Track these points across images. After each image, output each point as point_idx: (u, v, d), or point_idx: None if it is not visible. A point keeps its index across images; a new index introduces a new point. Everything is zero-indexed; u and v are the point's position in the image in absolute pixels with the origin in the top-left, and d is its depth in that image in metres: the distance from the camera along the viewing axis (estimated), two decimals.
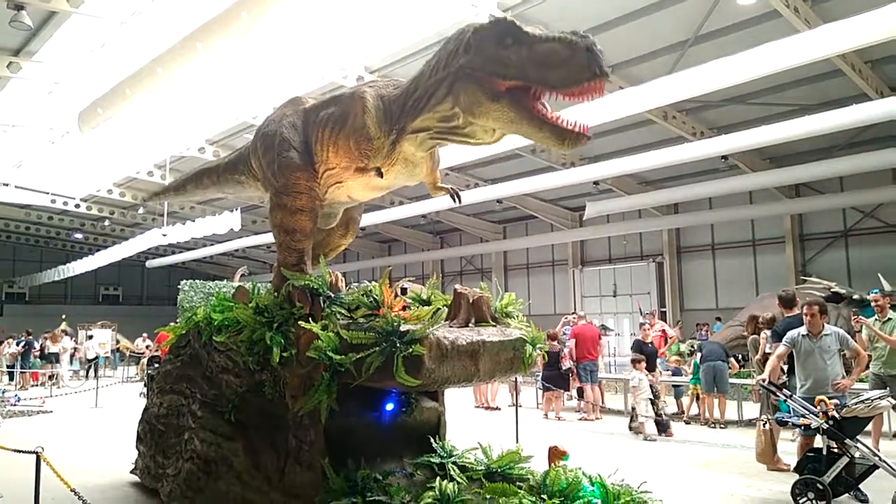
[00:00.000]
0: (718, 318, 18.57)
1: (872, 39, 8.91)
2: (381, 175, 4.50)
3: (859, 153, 14.75)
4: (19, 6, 10.40)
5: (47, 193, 23.86)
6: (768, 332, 9.09)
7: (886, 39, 8.88)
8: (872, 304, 8.07)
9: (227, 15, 9.86)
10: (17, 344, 19.49)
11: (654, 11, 11.60)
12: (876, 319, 7.80)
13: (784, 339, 6.50)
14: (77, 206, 25.43)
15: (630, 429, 10.07)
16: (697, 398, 11.33)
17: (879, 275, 11.60)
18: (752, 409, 10.79)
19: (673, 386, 12.24)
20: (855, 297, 12.13)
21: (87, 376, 20.89)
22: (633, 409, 10.19)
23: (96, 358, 21.49)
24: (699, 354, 11.22)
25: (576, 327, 12.87)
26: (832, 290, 12.42)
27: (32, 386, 18.55)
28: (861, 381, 9.26)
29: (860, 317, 8.79)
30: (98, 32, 12.85)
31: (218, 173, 6.15)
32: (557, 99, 3.45)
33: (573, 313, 16.19)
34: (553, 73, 3.35)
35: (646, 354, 10.70)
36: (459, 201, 5.19)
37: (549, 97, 3.48)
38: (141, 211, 26.55)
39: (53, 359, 19.66)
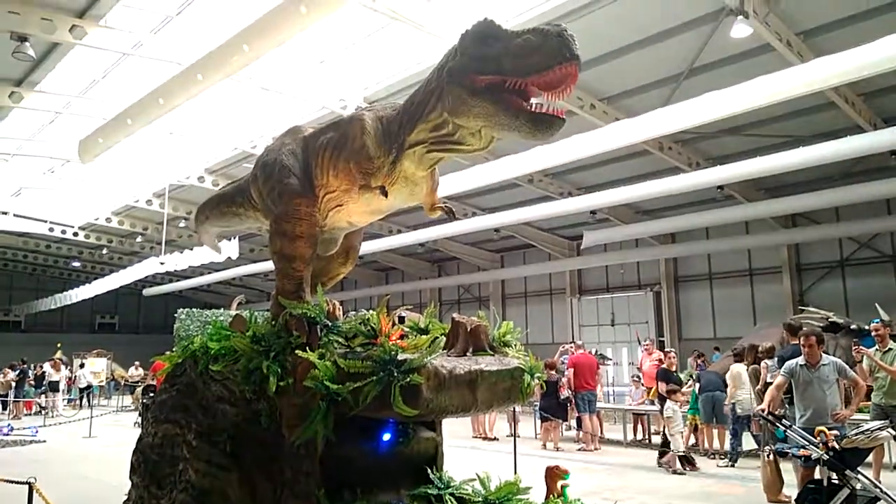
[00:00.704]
0: (717, 348, 18.49)
1: (865, 73, 9.04)
2: (385, 194, 4.51)
3: (854, 184, 14.87)
4: (23, 38, 10.52)
5: (45, 222, 23.89)
6: (769, 362, 9.08)
7: (878, 73, 9.01)
8: (873, 333, 8.04)
9: (229, 47, 10.01)
10: (15, 372, 19.40)
11: (648, 45, 11.79)
12: (877, 349, 7.78)
13: (782, 369, 6.49)
14: (75, 234, 25.45)
15: (659, 464, 9.74)
16: (696, 429, 11.26)
17: (877, 304, 11.61)
18: (752, 441, 10.70)
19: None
20: (853, 326, 12.13)
21: (80, 405, 20.72)
22: (665, 441, 9.88)
23: (89, 387, 21.34)
24: (698, 385, 11.18)
25: (573, 356, 12.83)
26: (830, 319, 12.43)
27: (25, 415, 18.37)
28: (861, 411, 9.25)
29: (861, 347, 8.78)
30: (100, 63, 13.02)
31: (213, 206, 6.15)
32: (534, 92, 3.47)
33: (571, 342, 16.15)
34: (526, 61, 3.39)
35: (673, 384, 10.49)
36: (454, 217, 5.20)
37: (526, 88, 3.51)
38: (139, 239, 26.58)
39: (53, 387, 19.52)
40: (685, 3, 10.57)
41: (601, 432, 12.79)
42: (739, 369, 10.20)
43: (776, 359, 8.08)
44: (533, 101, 3.58)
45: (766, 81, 9.77)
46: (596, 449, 11.51)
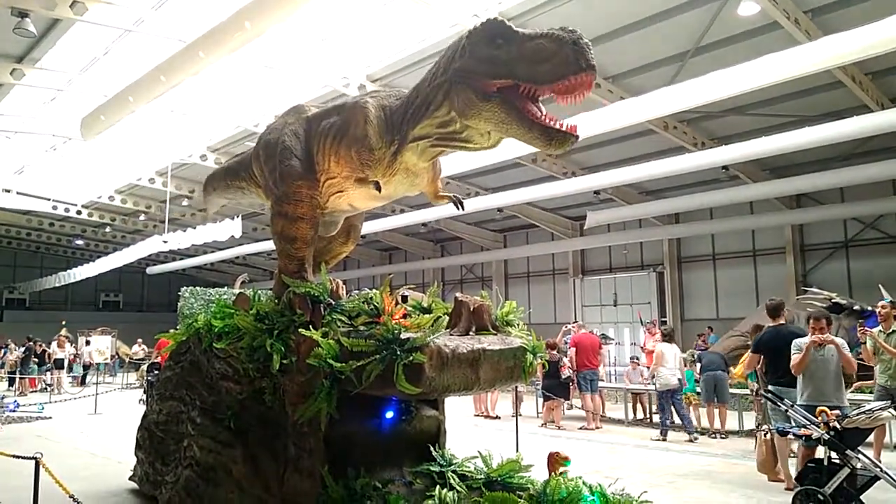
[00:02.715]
0: (710, 328, 18.56)
1: (873, 51, 8.93)
2: (378, 189, 4.52)
3: (860, 164, 14.77)
4: (23, 13, 10.42)
5: (49, 200, 23.89)
6: None
7: (887, 51, 8.91)
8: (879, 313, 8.00)
9: (231, 24, 9.91)
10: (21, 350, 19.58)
11: (655, 23, 11.65)
12: (881, 331, 7.76)
13: (793, 347, 6.49)
14: (78, 212, 25.46)
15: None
16: (690, 406, 11.39)
17: (880, 286, 11.58)
18: (753, 419, 10.77)
19: None
20: (856, 307, 12.11)
21: (83, 382, 20.89)
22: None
23: (90, 365, 21.55)
24: (698, 365, 11.25)
25: (576, 336, 12.88)
26: (833, 300, 12.41)
27: (31, 392, 18.53)
28: (864, 391, 9.28)
29: (866, 327, 8.75)
30: (102, 40, 12.92)
31: (219, 178, 6.16)
32: (546, 95, 3.44)
33: (574, 322, 16.20)
34: (540, 68, 3.36)
35: None
36: (462, 208, 5.19)
37: (537, 93, 3.47)
38: (142, 218, 26.59)
39: (59, 364, 19.68)
40: None
41: (603, 411, 12.88)
42: (662, 348, 10.91)
43: (754, 341, 8.03)
44: (544, 109, 3.54)
45: (773, 60, 9.66)
46: (597, 427, 11.59)
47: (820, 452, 5.75)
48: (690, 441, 10.09)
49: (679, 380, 10.79)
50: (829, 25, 10.84)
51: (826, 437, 5.47)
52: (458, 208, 5.14)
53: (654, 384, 11.07)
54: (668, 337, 11.39)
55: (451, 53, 3.88)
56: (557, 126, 3.46)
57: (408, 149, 4.29)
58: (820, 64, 9.44)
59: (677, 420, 10.76)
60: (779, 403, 6.19)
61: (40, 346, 20.01)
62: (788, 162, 16.69)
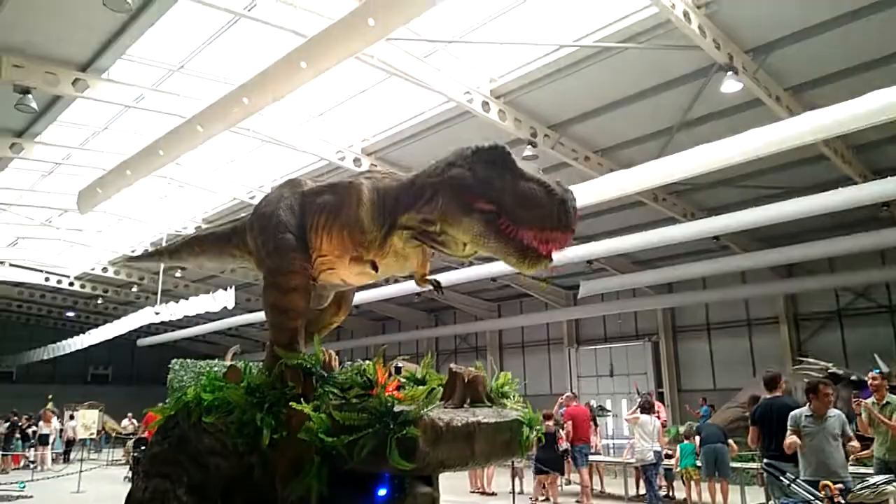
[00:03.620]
0: (704, 399, 18.33)
1: (852, 126, 9.22)
2: (375, 269, 4.58)
3: (846, 235, 14.99)
4: (25, 90, 10.68)
5: (41, 271, 23.85)
6: None
7: (865, 126, 9.19)
8: (870, 385, 7.94)
9: (229, 99, 10.19)
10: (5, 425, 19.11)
11: (642, 99, 12.06)
12: (874, 402, 7.68)
13: (789, 421, 6.38)
14: (71, 283, 25.39)
15: None
16: (691, 481, 11.14)
17: (875, 355, 11.57)
18: (757, 495, 10.49)
19: (665, 469, 12.06)
20: (853, 378, 12.04)
21: (67, 459, 20.30)
22: None
23: (73, 440, 21.02)
24: (698, 438, 11.05)
25: (570, 408, 12.60)
26: (830, 370, 12.34)
27: (14, 469, 17.96)
28: (865, 464, 9.10)
29: (861, 399, 8.65)
30: (101, 115, 13.22)
31: (210, 242, 6.18)
32: (520, 236, 3.53)
33: (568, 394, 15.96)
34: (524, 210, 3.51)
35: None
36: (441, 293, 5.25)
37: (514, 230, 3.57)
38: (135, 289, 26.49)
39: (43, 440, 19.15)
40: (677, 59, 10.84)
41: (602, 486, 12.57)
42: (644, 419, 10.91)
43: (751, 413, 7.89)
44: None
45: (756, 134, 9.95)
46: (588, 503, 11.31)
47: None
48: None
49: (656, 453, 10.61)
50: (809, 102, 11.23)
51: None
52: (438, 292, 5.20)
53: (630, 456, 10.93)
54: (646, 409, 11.22)
55: (453, 158, 4.01)
56: (533, 246, 3.56)
57: (395, 234, 4.38)
58: (802, 137, 9.72)
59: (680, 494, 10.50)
60: (781, 478, 6.05)
61: (27, 421, 19.53)
62: (778, 232, 16.91)
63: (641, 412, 11.14)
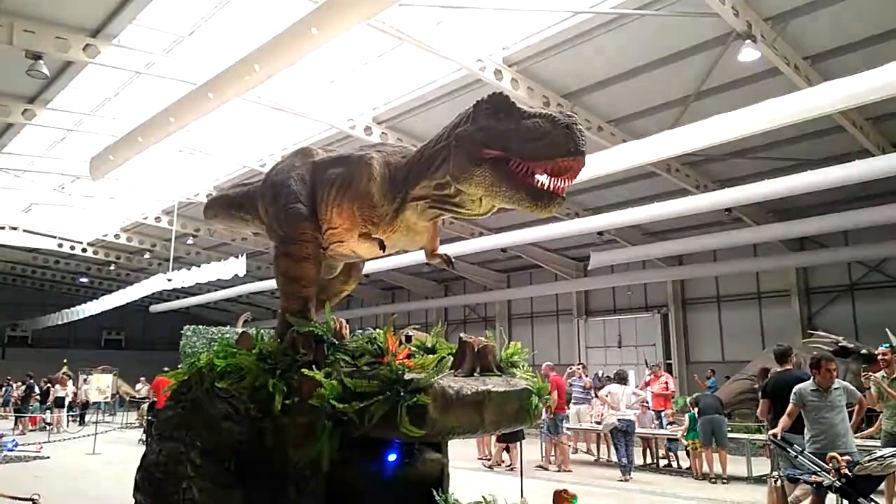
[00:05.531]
0: (712, 371, 18.40)
1: (872, 97, 9.05)
2: (383, 248, 4.59)
3: (863, 208, 14.82)
4: (37, 56, 10.64)
5: (55, 237, 24.05)
6: None
7: (884, 98, 9.01)
8: (879, 359, 7.93)
9: (240, 66, 10.12)
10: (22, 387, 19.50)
11: (657, 68, 11.86)
12: (884, 376, 7.68)
13: (792, 396, 6.41)
14: (84, 250, 25.59)
15: None
16: (689, 452, 11.31)
17: (887, 329, 11.49)
18: (763, 465, 10.57)
19: (668, 439, 12.19)
20: (863, 351, 12.01)
21: (82, 421, 20.70)
22: None
23: (86, 403, 21.40)
24: (696, 409, 11.15)
25: (553, 377, 11.82)
26: (840, 344, 12.31)
27: (31, 430, 18.35)
28: (873, 437, 9.12)
29: (870, 373, 8.64)
30: (113, 82, 13.18)
31: (222, 206, 6.19)
32: (532, 171, 3.50)
33: (578, 364, 16.05)
34: (531, 145, 3.45)
35: None
36: (453, 267, 5.24)
37: (525, 169, 3.54)
38: (147, 256, 26.69)
39: (59, 403, 19.53)
40: (694, 27, 10.64)
41: (609, 455, 12.75)
42: (612, 389, 11.65)
43: (762, 387, 7.94)
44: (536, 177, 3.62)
45: (773, 105, 9.79)
46: (567, 470, 11.71)
47: (830, 500, 5.63)
48: (622, 480, 10.61)
49: (626, 420, 11.18)
50: (828, 72, 11.02)
51: (837, 484, 5.36)
52: (448, 267, 5.18)
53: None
54: (620, 379, 11.92)
55: (457, 120, 4.00)
56: (544, 187, 3.54)
57: (408, 207, 4.36)
58: (820, 109, 9.56)
59: (681, 463, 10.65)
60: (788, 450, 6.08)
61: (45, 383, 19.88)
62: (791, 205, 16.76)
63: (616, 383, 11.87)
